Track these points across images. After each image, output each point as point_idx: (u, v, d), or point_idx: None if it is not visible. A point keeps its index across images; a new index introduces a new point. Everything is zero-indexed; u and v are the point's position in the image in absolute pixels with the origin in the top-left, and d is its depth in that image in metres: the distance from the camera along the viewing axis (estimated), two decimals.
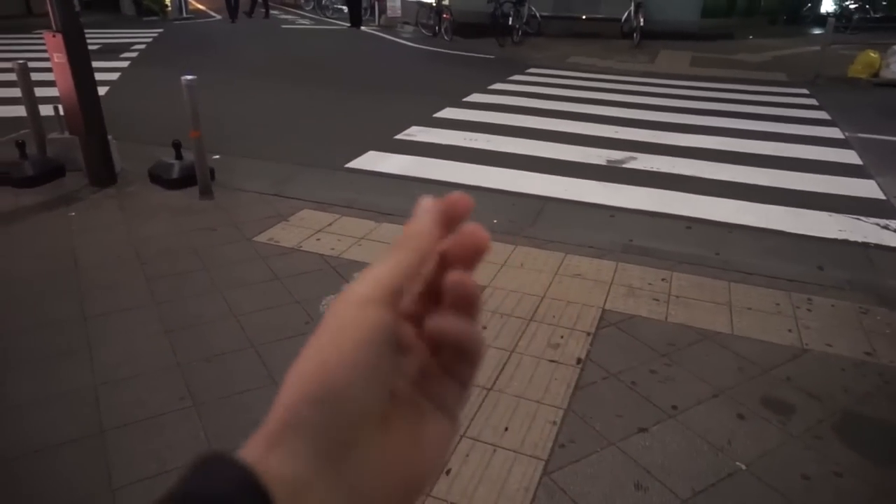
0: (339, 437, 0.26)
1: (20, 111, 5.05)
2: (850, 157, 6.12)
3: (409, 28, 16.80)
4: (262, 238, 3.98)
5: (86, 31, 4.59)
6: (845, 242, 4.24)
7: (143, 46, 12.60)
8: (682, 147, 6.30)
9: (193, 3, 21.91)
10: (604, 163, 5.79)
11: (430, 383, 0.31)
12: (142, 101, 7.75)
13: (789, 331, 3.11)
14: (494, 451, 2.23)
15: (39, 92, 5.06)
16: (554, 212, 4.61)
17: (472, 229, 0.31)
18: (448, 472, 2.12)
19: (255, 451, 0.26)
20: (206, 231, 4.09)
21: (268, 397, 0.29)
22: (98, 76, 4.80)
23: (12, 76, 4.93)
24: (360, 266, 3.65)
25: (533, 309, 3.23)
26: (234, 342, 2.88)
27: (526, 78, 10.08)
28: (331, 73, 10.20)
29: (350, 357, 0.27)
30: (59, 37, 4.34)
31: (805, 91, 9.41)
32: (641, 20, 13.73)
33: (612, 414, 2.46)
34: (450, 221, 0.33)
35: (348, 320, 0.28)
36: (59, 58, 4.42)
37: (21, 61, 4.87)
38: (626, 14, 14.34)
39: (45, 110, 4.93)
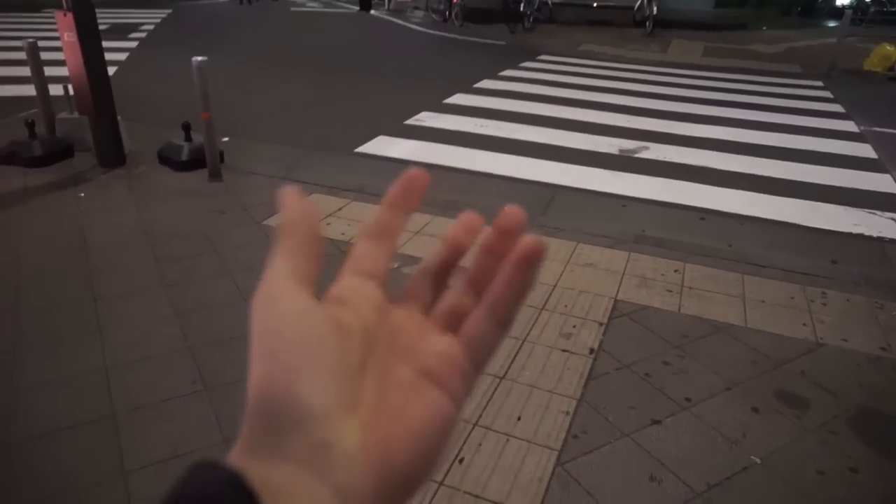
0: (302, 442, 0.25)
1: (29, 90, 5.03)
2: (866, 150, 6.04)
3: (420, 13, 16.65)
4: (271, 222, 3.95)
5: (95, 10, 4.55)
6: (860, 237, 4.19)
7: (151, 27, 12.54)
8: (694, 137, 6.23)
9: None
10: (616, 152, 5.73)
11: (438, 364, 0.30)
12: (151, 81, 7.71)
13: (804, 325, 3.08)
14: (507, 440, 2.21)
15: (49, 71, 5.03)
16: (565, 200, 4.57)
17: (509, 210, 0.32)
18: (461, 460, 2.11)
19: (238, 458, 0.26)
20: (215, 214, 4.07)
21: None
22: (107, 56, 4.76)
23: (22, 55, 4.90)
24: None
25: (545, 298, 3.20)
26: (245, 326, 2.84)
27: (537, 65, 9.99)
28: (340, 57, 10.14)
29: (288, 359, 0.26)
30: (70, 15, 4.29)
31: (819, 83, 9.30)
32: (654, 9, 13.57)
33: (625, 405, 2.44)
34: (409, 196, 0.33)
35: (277, 320, 0.27)
36: (69, 37, 4.38)
37: (31, 40, 4.84)
38: (638, 2, 14.18)
39: (55, 90, 4.90)
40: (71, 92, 4.73)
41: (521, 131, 6.19)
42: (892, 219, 4.46)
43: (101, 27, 4.72)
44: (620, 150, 5.77)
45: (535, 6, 14.01)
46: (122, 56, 9.13)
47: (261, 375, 0.26)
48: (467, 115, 6.70)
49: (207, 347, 2.73)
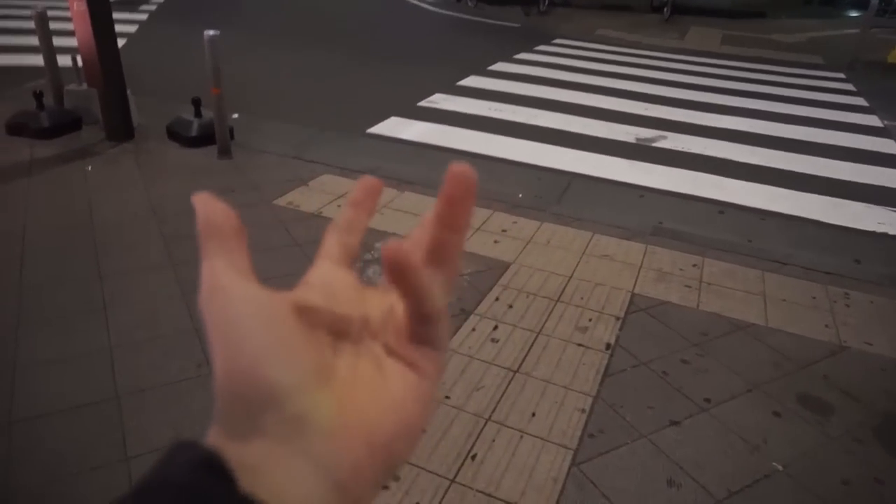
0: (276, 419, 0.25)
1: (37, 60, 4.93)
2: (890, 146, 5.90)
3: None
4: (281, 202, 3.87)
5: None
6: (884, 236, 4.08)
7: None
8: (713, 128, 6.09)
9: None
10: (633, 140, 5.61)
11: (399, 342, 0.30)
12: (161, 55, 7.59)
13: (826, 326, 2.99)
14: (521, 437, 2.15)
15: (57, 42, 4.93)
16: (581, 189, 4.47)
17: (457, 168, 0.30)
18: (473, 457, 2.04)
19: (215, 439, 0.26)
20: (224, 192, 3.98)
21: None
22: (116, 28, 4.65)
23: (30, 23, 4.80)
24: (381, 235, 3.54)
25: (560, 289, 3.12)
26: None
27: (552, 49, 9.80)
28: (352, 36, 9.97)
29: (246, 343, 0.26)
30: None
31: (841, 76, 9.09)
32: None
33: (642, 404, 2.36)
34: (368, 200, 0.35)
35: (227, 309, 0.27)
36: (78, 6, 4.27)
37: (40, 8, 4.73)
38: None
39: (63, 60, 4.80)
40: (80, 63, 4.63)
41: (536, 116, 6.06)
42: None
43: None
44: (638, 139, 5.65)
45: None
46: (133, 28, 9.00)
47: (222, 365, 0.26)
48: (481, 98, 6.57)
49: None
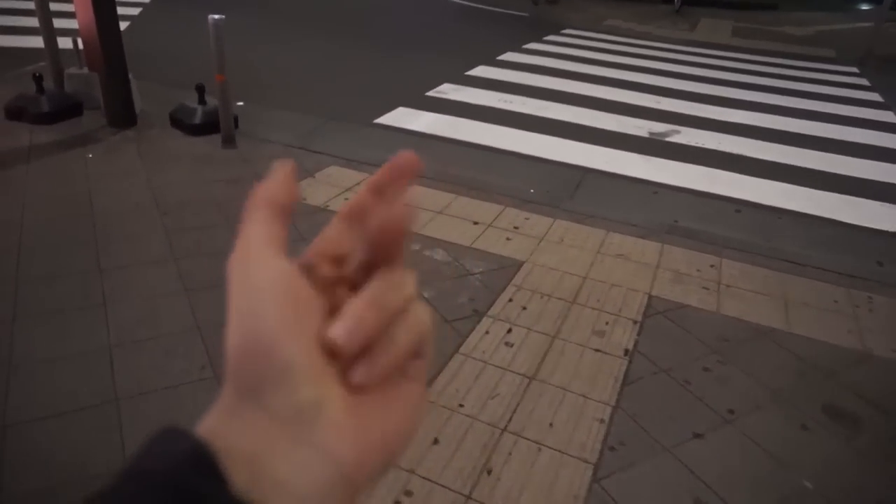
0: (288, 400, 0.25)
1: (37, 42, 4.80)
2: None
3: None
4: None
5: None
6: None
7: None
8: (726, 122, 5.96)
9: None
10: (645, 134, 5.49)
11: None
12: (164, 39, 7.44)
13: (849, 332, 2.89)
14: (539, 449, 2.05)
15: (58, 24, 4.79)
16: (593, 184, 4.35)
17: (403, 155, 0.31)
18: (489, 471, 1.95)
19: (214, 421, 0.26)
20: (228, 183, 3.89)
21: None
22: (119, 10, 4.52)
23: (30, 4, 4.66)
24: None
25: (575, 290, 3.02)
26: None
27: (561, 39, 9.64)
28: (358, 23, 9.80)
29: (272, 320, 0.25)
30: None
31: (855, 70, 8.94)
32: None
33: (664, 415, 2.27)
34: (397, 183, 0.31)
35: (258, 280, 0.27)
36: None
37: None
38: None
39: (63, 43, 4.67)
40: (80, 46, 4.50)
41: (546, 108, 5.93)
42: None
43: None
44: (650, 133, 5.53)
45: None
46: (135, 11, 8.83)
47: (243, 333, 0.26)
48: (490, 88, 6.44)
49: (218, 328, 2.55)
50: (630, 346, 2.64)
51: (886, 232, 4.01)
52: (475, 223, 3.61)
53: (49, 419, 2.08)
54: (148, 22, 8.32)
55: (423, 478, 1.90)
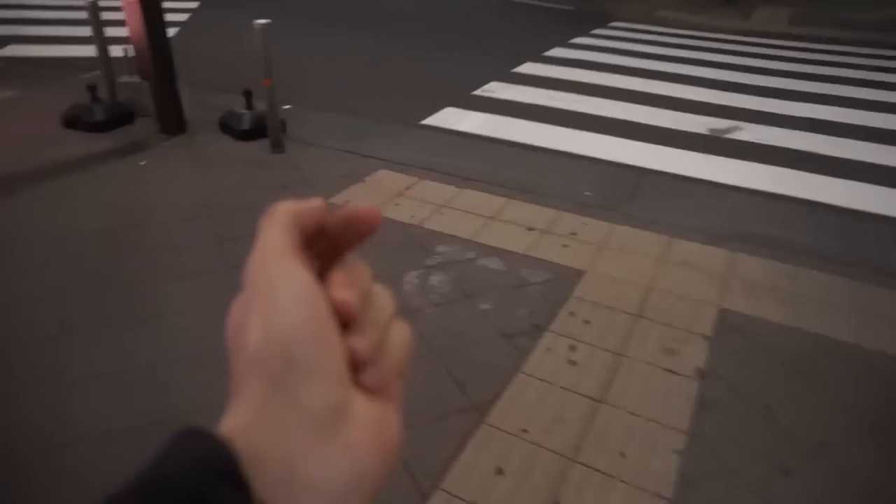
0: (322, 400, 0.25)
1: (86, 51, 4.86)
2: None
3: None
4: (337, 200, 3.68)
5: None
6: None
7: None
8: (791, 117, 5.64)
9: None
10: (705, 132, 5.22)
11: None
12: (211, 45, 7.49)
13: None
14: (610, 483, 1.90)
15: (109, 32, 4.84)
16: (653, 186, 4.14)
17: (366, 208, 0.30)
18: None
19: (241, 419, 0.25)
20: (278, 188, 3.83)
21: None
22: (167, 17, 4.53)
23: (82, 14, 4.72)
24: (444, 238, 3.33)
25: (640, 303, 2.85)
26: None
27: (610, 32, 9.35)
28: (400, 21, 9.72)
29: (294, 313, 0.26)
30: None
31: None
32: None
33: (745, 446, 2.09)
34: (353, 234, 0.31)
35: (277, 277, 0.27)
36: None
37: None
38: None
39: (114, 51, 4.71)
40: (131, 54, 4.53)
41: (599, 106, 5.72)
42: None
43: None
44: (710, 130, 5.26)
45: None
46: (184, 17, 8.95)
47: (263, 336, 0.26)
48: (540, 86, 6.25)
49: None
50: (703, 366, 2.45)
51: None
52: (530, 229, 3.47)
53: (96, 438, 2.03)
54: (196, 27, 8.41)
55: None
